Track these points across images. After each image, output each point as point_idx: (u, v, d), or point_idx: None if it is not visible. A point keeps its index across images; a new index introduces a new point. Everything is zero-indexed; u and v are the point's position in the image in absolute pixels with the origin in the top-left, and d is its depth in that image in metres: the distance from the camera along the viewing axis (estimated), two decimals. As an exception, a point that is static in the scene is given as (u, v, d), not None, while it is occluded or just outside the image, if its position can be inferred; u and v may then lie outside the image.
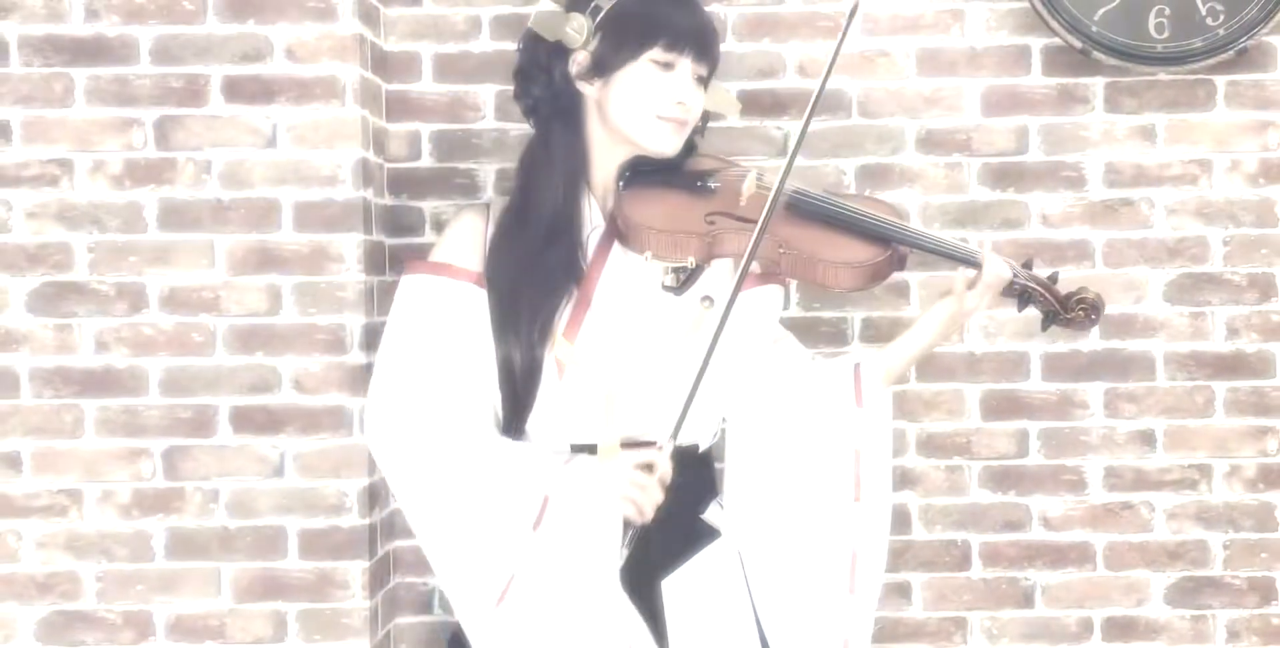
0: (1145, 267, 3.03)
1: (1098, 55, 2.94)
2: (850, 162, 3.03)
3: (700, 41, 2.36)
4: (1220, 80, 3.00)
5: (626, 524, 2.25)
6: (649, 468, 2.25)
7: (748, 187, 2.37)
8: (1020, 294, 2.39)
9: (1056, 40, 2.97)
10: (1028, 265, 2.40)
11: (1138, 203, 3.03)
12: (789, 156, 2.32)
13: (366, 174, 2.82)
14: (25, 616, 2.79)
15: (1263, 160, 3.01)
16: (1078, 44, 2.93)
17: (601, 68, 2.36)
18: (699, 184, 2.39)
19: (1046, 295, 2.38)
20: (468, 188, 3.01)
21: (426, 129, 3.03)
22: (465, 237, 2.43)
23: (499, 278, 2.37)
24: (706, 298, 2.35)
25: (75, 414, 2.78)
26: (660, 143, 2.37)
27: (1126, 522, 3.04)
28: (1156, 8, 2.92)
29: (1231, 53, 2.93)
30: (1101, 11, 2.92)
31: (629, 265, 2.36)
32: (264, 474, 2.79)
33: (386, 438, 2.37)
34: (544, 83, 2.41)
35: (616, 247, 2.37)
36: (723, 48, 2.91)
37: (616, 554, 2.26)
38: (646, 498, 2.24)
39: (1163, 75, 2.99)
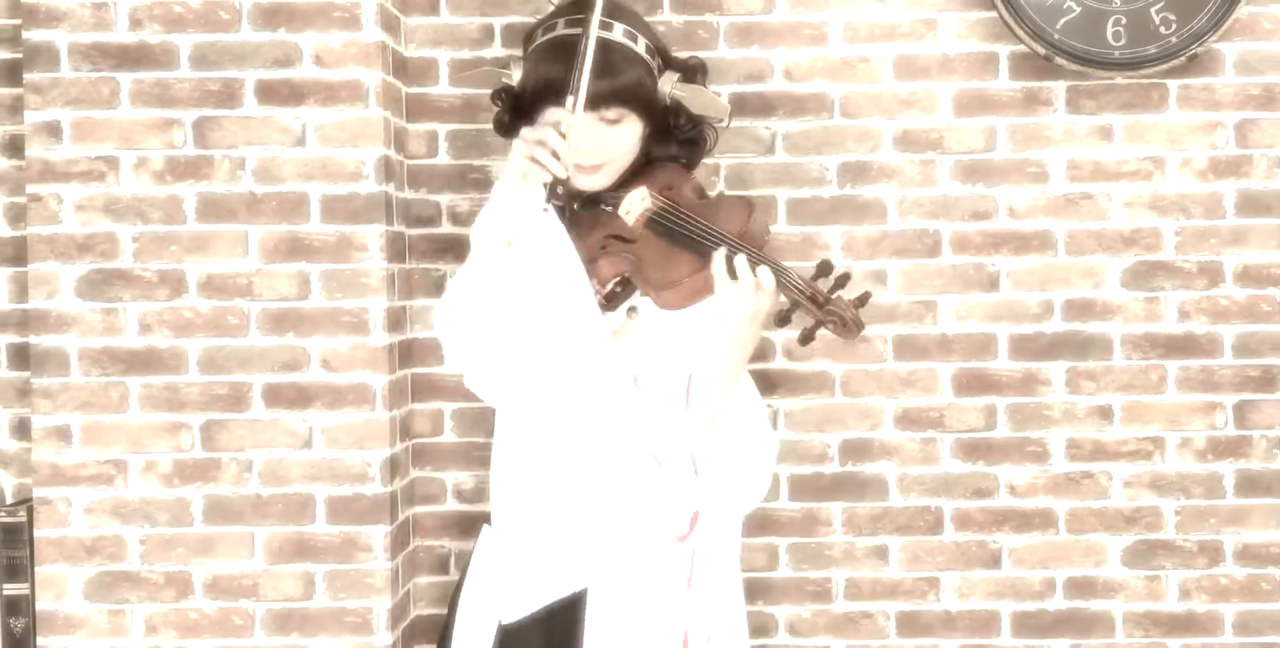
0: (1104, 255, 3.03)
1: (1060, 61, 2.93)
2: (832, 159, 3.02)
3: (591, 96, 2.27)
4: (1173, 84, 3.00)
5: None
6: (547, 128, 2.20)
7: (627, 207, 2.32)
8: (791, 304, 2.24)
9: (1022, 47, 2.97)
10: (824, 271, 2.24)
11: (1097, 197, 3.02)
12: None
13: (388, 170, 2.83)
14: (75, 576, 2.79)
15: (1211, 158, 3.01)
16: (1041, 51, 2.93)
17: (527, 114, 2.36)
18: (600, 207, 2.34)
19: (810, 306, 2.22)
20: (481, 183, 3.01)
21: (443, 129, 3.03)
22: None
23: None
24: (632, 308, 2.33)
25: (120, 391, 2.79)
26: (580, 183, 2.34)
27: (1086, 490, 3.04)
28: (1114, 17, 2.93)
29: (1183, 59, 2.93)
30: (1063, 21, 2.92)
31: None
32: (294, 446, 2.80)
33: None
34: (502, 113, 2.44)
35: None
36: (714, 54, 2.95)
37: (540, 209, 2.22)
38: (544, 149, 2.18)
39: (1120, 79, 2.99)
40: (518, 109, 2.39)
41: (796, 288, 2.23)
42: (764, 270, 2.21)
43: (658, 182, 2.37)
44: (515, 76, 2.39)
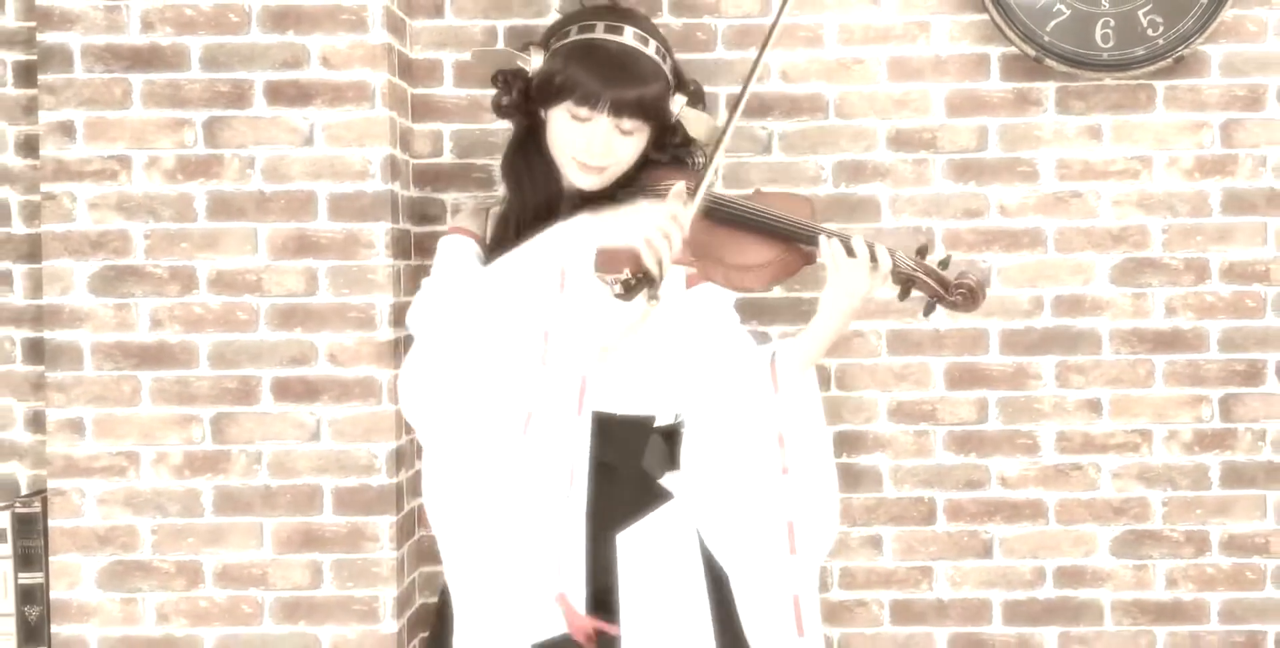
0: (1092, 252, 3.04)
1: (1050, 62, 2.95)
2: (828, 158, 3.03)
3: (614, 102, 2.31)
4: (1160, 85, 3.02)
5: (638, 280, 2.24)
6: (675, 219, 2.22)
7: (672, 199, 2.32)
8: (904, 281, 2.32)
9: (1013, 49, 2.99)
10: (922, 252, 2.33)
11: (1086, 195, 3.03)
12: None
13: (394, 169, 2.84)
14: (88, 565, 2.80)
15: (1198, 157, 3.02)
16: (1032, 52, 2.95)
17: (538, 102, 2.38)
18: (633, 201, 2.34)
19: (929, 281, 2.31)
20: (485, 181, 3.03)
21: (448, 129, 3.04)
22: (472, 219, 2.46)
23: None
24: (653, 297, 2.30)
25: (133, 385, 2.80)
26: (578, 181, 2.37)
27: (1076, 481, 3.06)
28: (1102, 20, 2.94)
29: (1170, 60, 2.95)
30: (1053, 23, 2.94)
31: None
32: (302, 438, 2.81)
33: (420, 319, 2.36)
34: (508, 97, 2.43)
35: None
36: (712, 55, 2.97)
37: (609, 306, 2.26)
38: (665, 243, 2.22)
39: (1108, 80, 3.00)
40: (525, 96, 2.39)
41: (910, 266, 2.31)
42: (882, 250, 2.29)
43: (678, 179, 2.39)
44: (533, 62, 2.39)
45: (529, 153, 2.44)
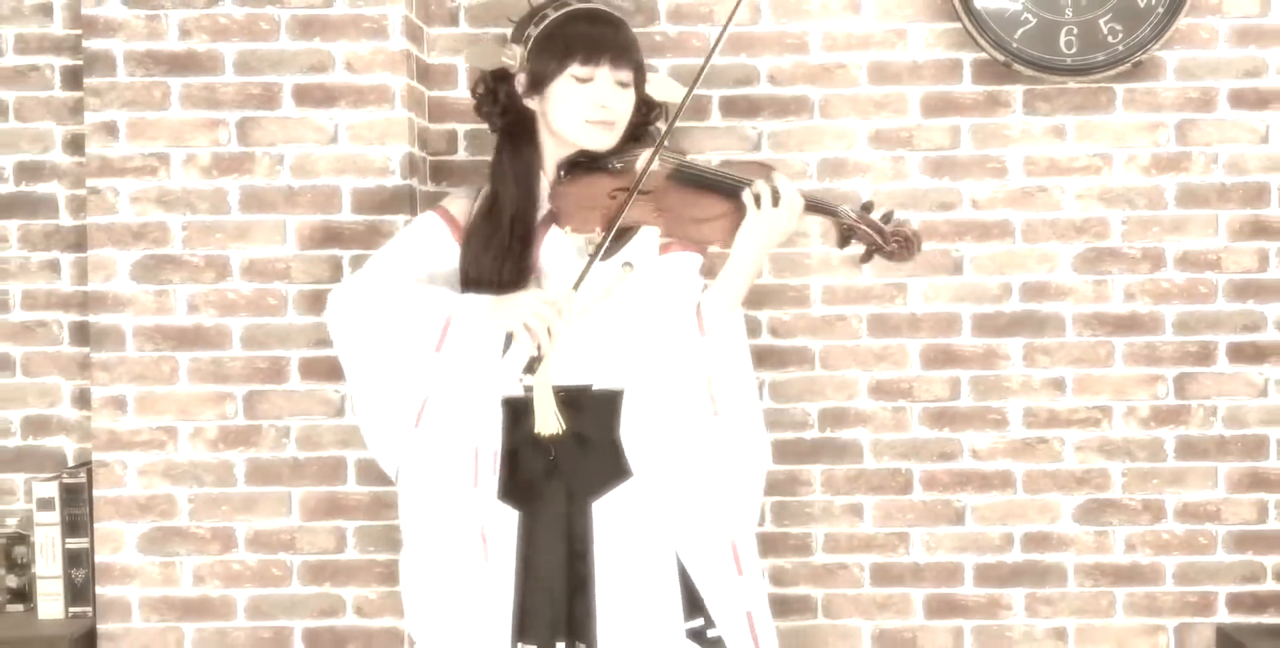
0: (1057, 242, 3.07)
1: (1018, 67, 2.99)
2: (813, 156, 3.06)
3: (613, 53, 2.38)
4: (1119, 88, 3.05)
5: (530, 358, 2.29)
6: (554, 304, 2.26)
7: (641, 164, 2.36)
8: (845, 231, 2.33)
9: (984, 55, 3.03)
10: (867, 208, 2.35)
11: (1051, 190, 3.06)
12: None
13: (412, 166, 2.87)
14: (130, 531, 2.85)
15: (1154, 154, 3.05)
16: (1001, 58, 2.99)
17: (535, 85, 2.40)
18: (609, 166, 2.38)
19: (868, 231, 2.32)
20: None
21: (462, 128, 3.06)
22: (459, 201, 2.49)
23: (472, 254, 2.40)
24: (627, 263, 2.34)
25: (171, 364, 2.84)
26: (592, 142, 2.40)
27: (1041, 454, 3.09)
28: (1066, 28, 2.98)
29: (1128, 65, 2.98)
30: (1021, 31, 2.98)
31: (564, 240, 2.40)
32: (327, 414, 2.85)
33: (340, 300, 2.42)
34: (494, 103, 2.47)
35: (554, 226, 2.41)
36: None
37: (502, 364, 2.30)
38: (543, 325, 2.24)
39: (1072, 84, 3.04)
40: (534, 84, 2.41)
41: (852, 218, 2.34)
42: (795, 191, 2.33)
43: (645, 147, 2.45)
44: (518, 56, 2.42)
45: (518, 147, 2.47)
